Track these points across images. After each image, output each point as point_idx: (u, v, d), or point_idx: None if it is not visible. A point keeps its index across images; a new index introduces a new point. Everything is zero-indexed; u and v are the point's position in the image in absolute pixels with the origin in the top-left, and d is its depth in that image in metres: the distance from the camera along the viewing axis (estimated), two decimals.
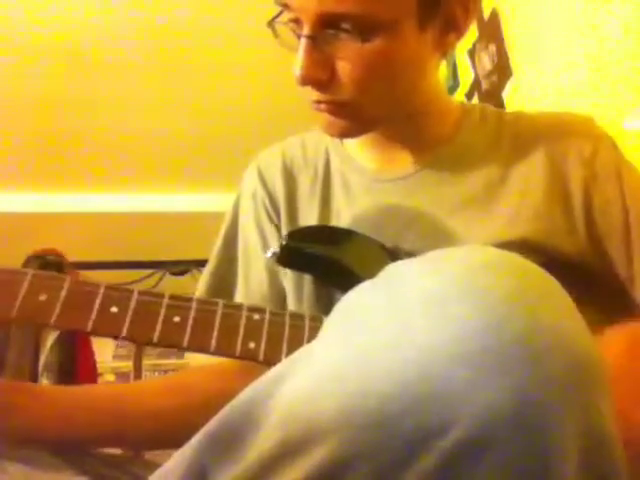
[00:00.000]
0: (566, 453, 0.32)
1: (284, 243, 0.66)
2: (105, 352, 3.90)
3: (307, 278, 0.70)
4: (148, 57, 2.32)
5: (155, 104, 2.56)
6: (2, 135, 2.56)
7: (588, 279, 0.67)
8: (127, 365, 3.82)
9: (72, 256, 2.47)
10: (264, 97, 2.51)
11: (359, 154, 0.75)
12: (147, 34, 2.22)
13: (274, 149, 0.82)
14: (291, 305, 0.72)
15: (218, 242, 0.80)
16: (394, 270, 0.39)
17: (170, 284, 2.84)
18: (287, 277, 0.72)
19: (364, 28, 0.58)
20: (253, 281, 0.75)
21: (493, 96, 1.76)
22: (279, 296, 0.73)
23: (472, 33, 1.86)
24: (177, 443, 0.40)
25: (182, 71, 2.41)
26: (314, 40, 0.59)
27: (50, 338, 2.43)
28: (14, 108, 2.48)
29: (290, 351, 0.58)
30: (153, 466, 0.41)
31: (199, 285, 0.77)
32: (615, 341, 0.56)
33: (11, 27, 2.13)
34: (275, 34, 0.64)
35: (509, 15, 1.70)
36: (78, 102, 2.48)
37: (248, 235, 0.77)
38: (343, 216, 0.71)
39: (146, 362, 3.70)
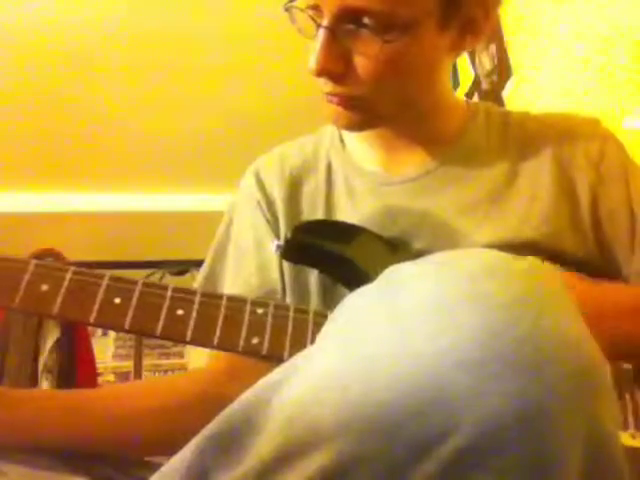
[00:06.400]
0: (569, 459, 0.32)
1: (289, 236, 0.65)
2: (105, 352, 3.90)
3: (312, 273, 0.70)
4: (149, 58, 2.32)
5: (155, 104, 2.56)
6: (2, 135, 2.56)
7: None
8: (127, 365, 3.82)
9: (72, 256, 2.47)
10: (265, 98, 2.51)
11: (363, 157, 0.74)
12: (149, 34, 2.22)
13: (272, 155, 0.80)
14: (294, 301, 0.71)
15: (211, 249, 0.79)
16: (394, 273, 0.39)
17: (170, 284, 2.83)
18: (288, 273, 0.72)
19: (384, 25, 0.58)
20: (243, 279, 0.74)
21: (493, 96, 1.76)
22: (270, 296, 0.72)
23: None
24: (156, 447, 0.39)
25: (183, 72, 2.41)
26: (333, 32, 0.59)
27: (50, 339, 2.42)
28: (14, 108, 2.48)
29: (293, 346, 0.57)
30: (158, 468, 0.41)
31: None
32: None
33: (13, 28, 2.13)
34: (292, 19, 0.63)
35: (509, 15, 1.70)
36: (78, 102, 2.48)
37: (242, 236, 0.76)
38: (349, 221, 0.71)
39: (146, 362, 3.70)
